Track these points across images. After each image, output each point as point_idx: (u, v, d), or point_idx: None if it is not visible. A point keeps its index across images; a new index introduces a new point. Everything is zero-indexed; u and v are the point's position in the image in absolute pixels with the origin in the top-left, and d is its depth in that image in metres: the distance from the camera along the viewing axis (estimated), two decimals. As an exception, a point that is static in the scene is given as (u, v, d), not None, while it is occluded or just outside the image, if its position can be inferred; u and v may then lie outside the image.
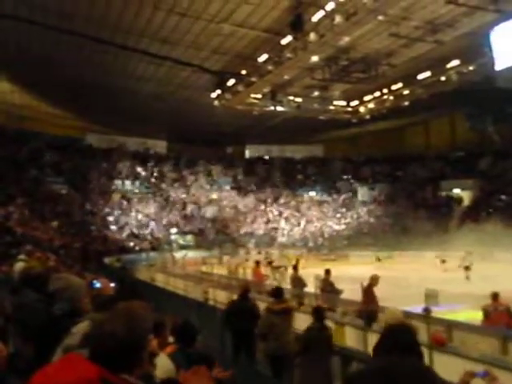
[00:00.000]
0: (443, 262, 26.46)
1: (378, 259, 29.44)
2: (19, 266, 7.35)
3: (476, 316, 10.47)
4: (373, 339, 8.54)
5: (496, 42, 26.26)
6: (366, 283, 10.78)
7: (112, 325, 1.73)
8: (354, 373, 1.34)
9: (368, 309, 10.04)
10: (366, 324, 9.35)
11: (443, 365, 7.16)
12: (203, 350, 4.87)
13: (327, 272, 13.05)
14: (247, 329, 7.81)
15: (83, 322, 2.95)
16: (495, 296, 9.86)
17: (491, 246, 29.28)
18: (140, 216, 42.04)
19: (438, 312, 9.71)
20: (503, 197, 40.86)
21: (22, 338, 3.00)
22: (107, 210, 40.86)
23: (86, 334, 1.87)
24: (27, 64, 29.50)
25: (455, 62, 29.88)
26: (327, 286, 12.34)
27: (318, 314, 6.93)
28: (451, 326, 9.55)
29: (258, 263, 18.95)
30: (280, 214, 47.84)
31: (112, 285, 4.89)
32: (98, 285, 4.40)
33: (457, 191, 46.04)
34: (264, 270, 21.44)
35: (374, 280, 10.66)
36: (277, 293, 7.89)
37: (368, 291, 10.54)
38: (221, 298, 13.40)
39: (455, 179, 46.12)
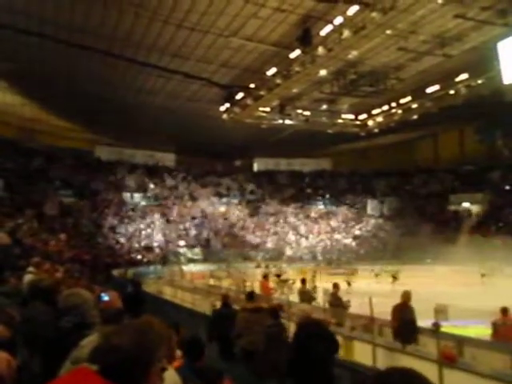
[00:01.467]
0: (483, 275, 25.94)
1: (394, 277, 28.79)
2: (28, 278, 7.38)
3: (486, 332, 10.38)
4: (381, 353, 8.47)
5: (503, 55, 26.25)
6: (397, 301, 10.29)
7: (119, 338, 1.73)
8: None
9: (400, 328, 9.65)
10: (402, 343, 9.08)
11: (454, 382, 7.07)
12: (211, 364, 4.84)
13: (335, 286, 12.99)
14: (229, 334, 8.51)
15: (92, 335, 2.94)
16: (505, 311, 9.80)
17: (500, 260, 29.05)
18: (148, 229, 42.09)
19: (447, 327, 9.62)
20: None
21: (30, 351, 3.00)
22: (115, 222, 40.96)
23: (94, 348, 1.86)
24: (38, 77, 29.84)
25: (464, 76, 29.86)
26: (335, 300, 12.28)
27: (274, 313, 7.97)
28: (462, 341, 9.46)
29: (265, 276, 18.86)
30: (288, 227, 47.72)
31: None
32: (106, 298, 4.40)
33: (466, 205, 45.78)
34: (272, 283, 21.33)
35: (407, 297, 10.21)
36: (250, 295, 9.27)
37: (400, 309, 10.00)
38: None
39: (464, 193, 45.90)
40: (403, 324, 9.60)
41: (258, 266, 36.00)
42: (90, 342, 2.92)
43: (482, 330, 10.99)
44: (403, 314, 9.84)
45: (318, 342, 5.88)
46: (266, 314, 8.09)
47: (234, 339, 8.30)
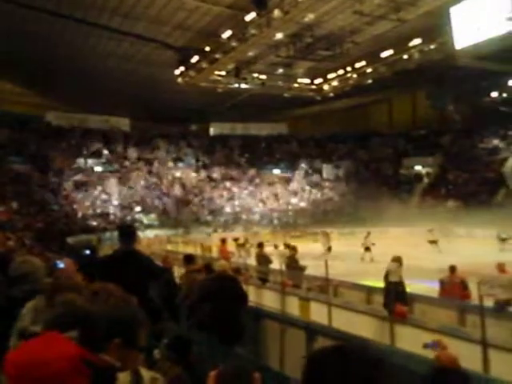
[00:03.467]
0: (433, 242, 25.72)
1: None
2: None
3: (434, 289, 10.84)
4: (338, 314, 8.75)
5: (456, 20, 26.65)
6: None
7: (92, 304, 1.74)
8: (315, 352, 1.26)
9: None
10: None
11: (405, 336, 7.41)
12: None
13: (293, 249, 13.22)
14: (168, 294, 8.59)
15: (30, 301, 2.93)
16: (452, 269, 10.24)
17: (451, 222, 30.15)
18: (103, 195, 41.45)
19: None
20: (462, 174, 41.91)
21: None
22: (69, 189, 40.12)
23: (61, 313, 1.86)
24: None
25: (417, 41, 30.23)
26: (292, 262, 12.52)
27: (207, 269, 8.18)
28: (412, 299, 9.85)
29: (223, 241, 18.99)
30: (245, 191, 47.90)
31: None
32: (61, 265, 4.37)
33: (418, 168, 46.99)
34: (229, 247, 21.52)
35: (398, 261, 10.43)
36: (189, 258, 9.11)
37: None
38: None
39: (417, 156, 47.04)
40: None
41: (215, 231, 36.22)
42: (29, 307, 2.91)
43: (430, 288, 11.46)
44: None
45: (227, 295, 6.13)
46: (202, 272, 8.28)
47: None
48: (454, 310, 9.08)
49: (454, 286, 9.87)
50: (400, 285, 9.77)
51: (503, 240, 25.06)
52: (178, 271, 11.02)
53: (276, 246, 21.02)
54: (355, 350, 1.29)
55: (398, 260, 10.28)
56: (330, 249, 25.08)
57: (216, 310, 6.04)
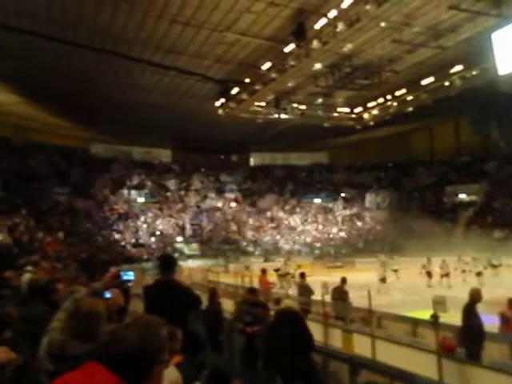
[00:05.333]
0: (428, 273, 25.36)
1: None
2: (27, 277, 7.37)
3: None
4: (381, 346, 8.51)
5: (498, 46, 26.22)
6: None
7: (125, 331, 1.75)
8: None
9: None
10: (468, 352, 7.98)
11: (451, 371, 7.12)
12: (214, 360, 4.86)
13: (343, 281, 12.96)
14: (214, 326, 9.15)
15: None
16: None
17: (498, 251, 29.17)
18: (145, 225, 42.08)
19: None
20: (509, 201, 40.69)
21: (31, 351, 3.01)
22: (113, 219, 40.94)
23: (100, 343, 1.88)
24: (32, 76, 29.68)
25: (458, 67, 29.86)
26: (336, 293, 12.28)
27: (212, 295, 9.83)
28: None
29: (264, 271, 18.87)
30: (285, 221, 47.77)
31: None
32: (108, 295, 4.41)
33: (462, 196, 45.91)
34: (270, 277, 21.39)
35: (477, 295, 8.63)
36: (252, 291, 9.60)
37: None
38: (227, 306, 13.36)
39: (460, 184, 46.04)
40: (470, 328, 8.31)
41: (267, 261, 36.13)
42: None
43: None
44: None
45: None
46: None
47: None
48: (507, 344, 8.69)
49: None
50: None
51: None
52: (225, 303, 11.08)
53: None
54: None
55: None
56: (384, 280, 23.77)
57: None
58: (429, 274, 24.63)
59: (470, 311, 8.39)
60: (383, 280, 23.24)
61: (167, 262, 5.66)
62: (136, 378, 1.71)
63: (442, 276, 24.18)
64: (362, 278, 25.10)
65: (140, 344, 1.72)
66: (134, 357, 1.70)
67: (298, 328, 6.20)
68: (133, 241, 39.29)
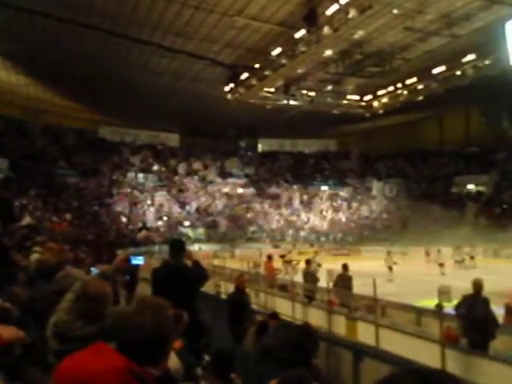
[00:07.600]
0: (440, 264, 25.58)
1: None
2: (34, 257, 7.43)
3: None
4: (385, 335, 8.54)
5: (511, 36, 25.88)
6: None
7: (140, 317, 1.76)
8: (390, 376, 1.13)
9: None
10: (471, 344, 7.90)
11: (455, 361, 7.14)
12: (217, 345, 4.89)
13: (344, 267, 12.96)
14: (241, 318, 8.95)
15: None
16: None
17: (504, 242, 29.11)
18: (152, 209, 42.23)
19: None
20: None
21: (39, 330, 3.04)
22: (120, 202, 41.09)
23: (110, 325, 1.89)
24: (42, 57, 29.69)
25: (471, 57, 29.53)
26: (339, 281, 12.26)
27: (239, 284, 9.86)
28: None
29: (269, 257, 18.90)
30: (292, 208, 47.79)
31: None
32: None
33: (471, 187, 45.67)
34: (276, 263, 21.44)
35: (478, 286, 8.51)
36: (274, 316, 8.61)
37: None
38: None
39: (469, 175, 45.78)
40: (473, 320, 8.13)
41: (276, 247, 36.26)
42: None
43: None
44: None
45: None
46: None
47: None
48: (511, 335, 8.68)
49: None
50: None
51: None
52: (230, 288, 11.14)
53: (319, 265, 20.78)
54: (435, 375, 1.21)
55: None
56: (391, 268, 23.82)
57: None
58: (440, 265, 24.80)
59: (473, 302, 8.30)
60: (390, 268, 23.32)
61: (178, 246, 5.76)
62: (149, 360, 1.73)
63: (439, 265, 24.75)
64: (368, 266, 25.18)
65: (157, 331, 1.75)
66: (151, 343, 1.73)
67: None
68: (139, 224, 39.44)
